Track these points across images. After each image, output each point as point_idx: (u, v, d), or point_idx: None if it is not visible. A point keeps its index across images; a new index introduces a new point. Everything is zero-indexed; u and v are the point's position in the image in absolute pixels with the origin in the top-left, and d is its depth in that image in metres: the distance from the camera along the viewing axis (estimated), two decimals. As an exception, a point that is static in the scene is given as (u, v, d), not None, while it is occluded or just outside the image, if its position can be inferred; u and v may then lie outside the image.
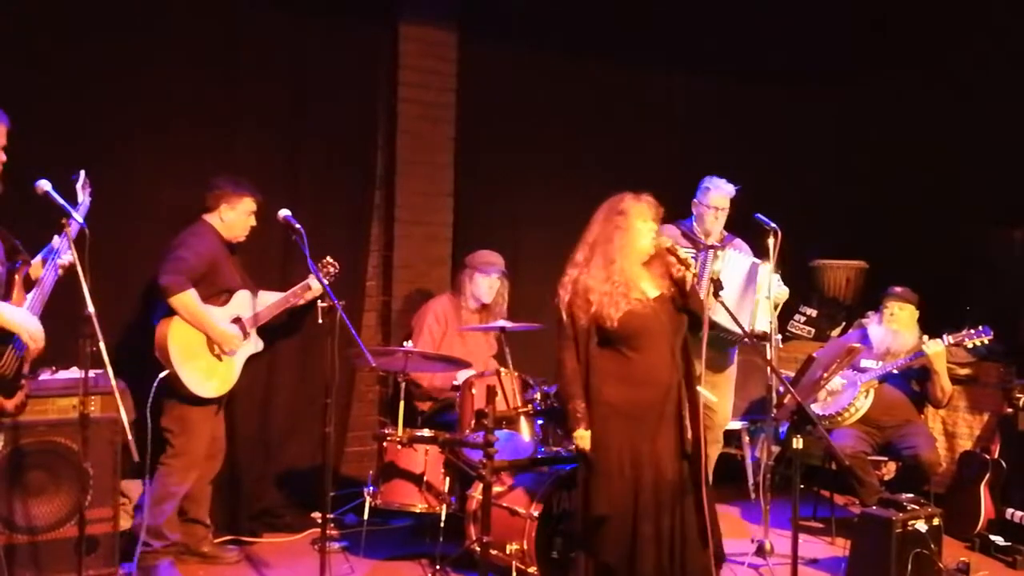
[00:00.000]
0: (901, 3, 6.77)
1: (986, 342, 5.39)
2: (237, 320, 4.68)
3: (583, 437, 3.92)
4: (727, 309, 4.20)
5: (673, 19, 6.54)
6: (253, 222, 4.77)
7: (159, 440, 4.57)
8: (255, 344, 4.78)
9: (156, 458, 4.55)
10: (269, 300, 4.86)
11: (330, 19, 5.54)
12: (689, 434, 3.96)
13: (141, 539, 4.51)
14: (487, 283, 5.43)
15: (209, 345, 4.56)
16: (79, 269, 3.47)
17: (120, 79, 4.94)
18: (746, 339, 4.84)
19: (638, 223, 4.02)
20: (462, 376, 5.16)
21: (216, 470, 4.88)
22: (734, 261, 5.31)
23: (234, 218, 4.71)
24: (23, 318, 3.50)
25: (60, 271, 3.67)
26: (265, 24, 5.36)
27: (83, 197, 3.97)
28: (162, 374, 4.44)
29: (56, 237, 3.68)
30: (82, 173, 3.99)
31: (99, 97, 4.89)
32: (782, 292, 5.37)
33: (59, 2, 4.77)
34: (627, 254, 3.99)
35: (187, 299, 4.45)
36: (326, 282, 4.59)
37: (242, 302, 4.71)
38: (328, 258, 5.04)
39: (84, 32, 4.84)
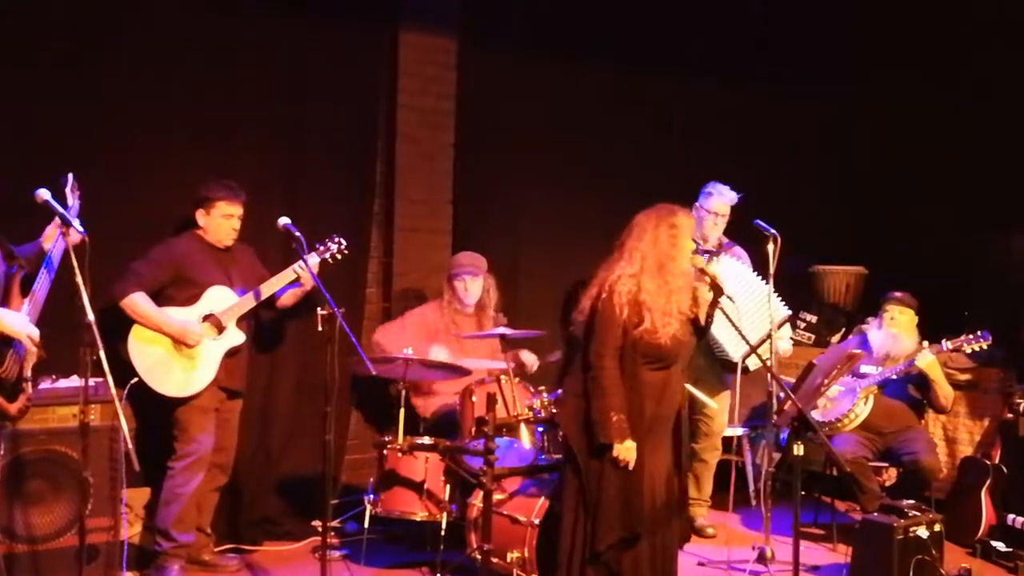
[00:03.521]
0: (900, 5, 6.78)
1: (985, 347, 5.39)
2: (209, 316, 4.66)
3: (630, 449, 3.81)
4: (726, 315, 4.18)
5: (672, 23, 6.56)
6: (235, 224, 4.74)
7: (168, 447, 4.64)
8: (233, 337, 4.71)
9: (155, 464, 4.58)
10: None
11: (330, 26, 5.54)
12: (683, 449, 4.02)
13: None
14: (462, 287, 5.46)
15: (175, 345, 4.55)
16: (78, 278, 3.47)
17: (118, 85, 4.93)
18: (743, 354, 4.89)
19: (688, 242, 3.98)
20: (482, 365, 5.16)
21: (221, 481, 4.87)
22: (731, 269, 5.32)
23: (209, 223, 4.71)
24: (22, 323, 3.51)
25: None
26: (265, 31, 5.36)
27: (72, 200, 3.97)
28: (132, 381, 4.43)
29: (49, 243, 3.69)
30: (70, 176, 3.99)
31: (97, 103, 4.87)
32: (787, 349, 5.43)
33: (56, 7, 4.76)
34: (681, 271, 3.93)
35: (132, 302, 4.47)
36: (318, 264, 4.73)
37: (214, 297, 4.67)
38: (335, 236, 4.99)
39: (82, 37, 4.82)
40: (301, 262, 4.62)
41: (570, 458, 3.98)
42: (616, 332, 3.87)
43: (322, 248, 4.92)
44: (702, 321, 4.06)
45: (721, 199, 5.54)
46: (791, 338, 5.59)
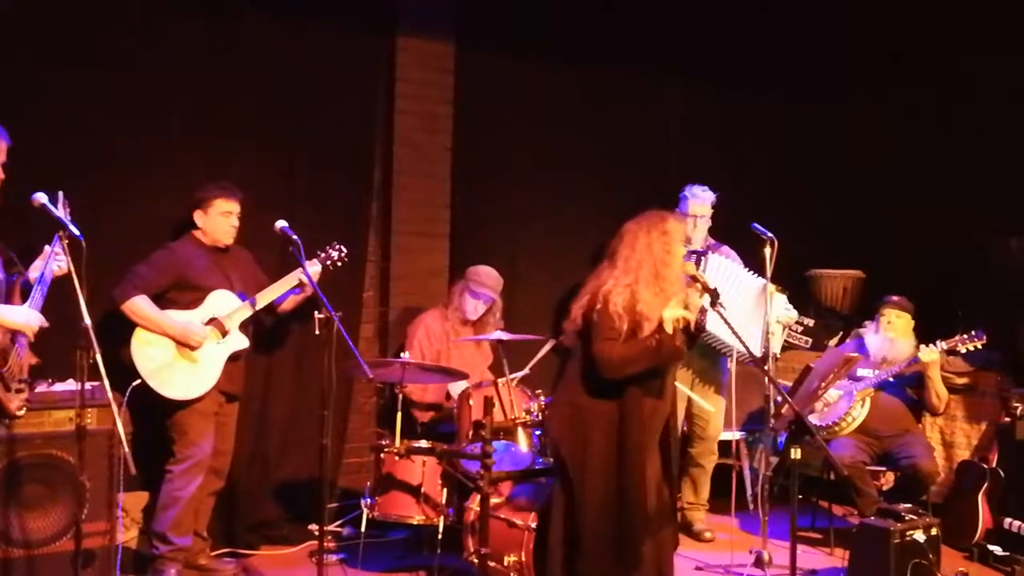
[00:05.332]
0: (899, 13, 6.79)
1: (979, 346, 5.39)
2: (213, 320, 4.66)
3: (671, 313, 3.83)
4: (725, 320, 4.16)
5: (670, 30, 6.56)
6: (233, 222, 4.74)
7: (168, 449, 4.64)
8: (237, 341, 4.71)
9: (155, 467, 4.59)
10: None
11: (328, 31, 5.54)
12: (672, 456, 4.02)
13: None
14: (473, 305, 5.47)
15: (179, 348, 4.55)
16: (75, 281, 3.46)
17: (117, 91, 4.93)
18: (749, 358, 4.88)
19: (680, 247, 3.96)
20: (455, 389, 5.16)
21: (218, 485, 4.86)
22: (722, 268, 5.33)
23: (208, 222, 4.71)
24: (24, 316, 3.55)
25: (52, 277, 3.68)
26: (263, 36, 5.36)
27: (64, 216, 3.95)
28: (135, 383, 4.43)
29: (47, 247, 3.68)
30: (60, 194, 3.97)
31: (95, 110, 4.88)
32: (790, 315, 5.40)
33: (56, 16, 4.76)
34: (676, 278, 3.89)
35: (134, 305, 4.47)
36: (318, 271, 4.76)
37: (218, 301, 4.68)
38: (336, 243, 5.01)
39: (80, 44, 4.83)
40: (301, 269, 4.60)
41: (559, 468, 3.96)
42: (616, 340, 3.83)
43: (323, 255, 4.94)
44: (692, 328, 4.03)
45: (697, 200, 5.57)
46: (785, 307, 5.51)
